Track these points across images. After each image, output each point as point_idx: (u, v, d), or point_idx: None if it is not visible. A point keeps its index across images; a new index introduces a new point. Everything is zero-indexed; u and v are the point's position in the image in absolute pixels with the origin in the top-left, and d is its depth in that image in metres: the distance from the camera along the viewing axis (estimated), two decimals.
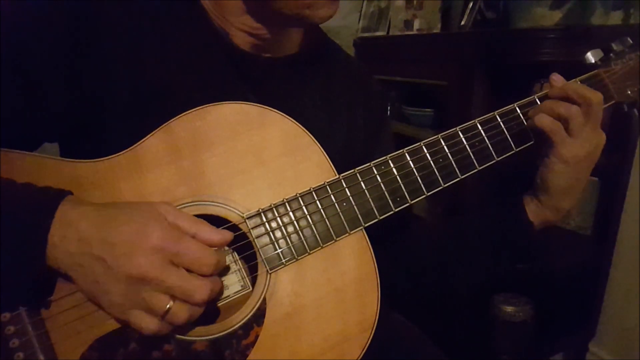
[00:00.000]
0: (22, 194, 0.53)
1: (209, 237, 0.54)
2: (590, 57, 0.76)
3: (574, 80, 0.72)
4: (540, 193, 0.72)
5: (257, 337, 0.59)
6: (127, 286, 0.50)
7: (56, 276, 0.53)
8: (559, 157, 0.67)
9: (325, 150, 0.64)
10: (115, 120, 0.62)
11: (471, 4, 1.58)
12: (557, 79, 0.70)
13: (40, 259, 0.50)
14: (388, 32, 1.98)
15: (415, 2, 1.85)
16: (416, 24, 1.84)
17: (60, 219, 0.50)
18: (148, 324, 0.51)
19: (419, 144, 0.67)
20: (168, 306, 0.50)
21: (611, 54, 0.75)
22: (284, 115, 0.63)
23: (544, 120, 0.67)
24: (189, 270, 0.52)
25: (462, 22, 1.60)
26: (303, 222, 0.61)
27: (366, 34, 2.10)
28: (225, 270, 0.61)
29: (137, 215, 0.52)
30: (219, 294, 0.57)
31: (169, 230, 0.52)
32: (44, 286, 0.54)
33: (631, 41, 0.75)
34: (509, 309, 1.53)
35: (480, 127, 0.69)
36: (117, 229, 0.50)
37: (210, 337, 0.58)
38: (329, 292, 0.62)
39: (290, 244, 0.61)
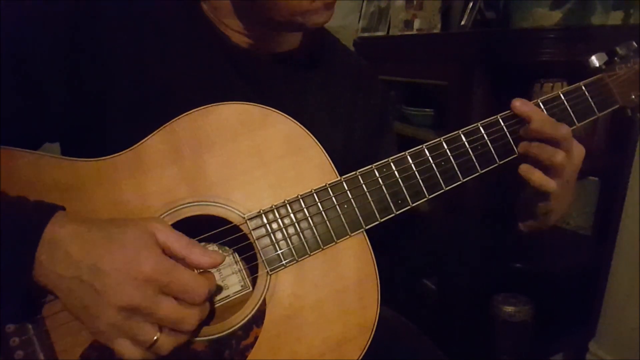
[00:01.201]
0: (12, 209, 0.51)
1: (198, 260, 0.53)
2: (595, 60, 0.75)
3: (576, 85, 0.72)
4: (526, 215, 0.74)
5: (256, 338, 0.59)
6: (115, 315, 0.49)
7: (46, 293, 0.53)
8: (547, 200, 0.68)
9: (325, 149, 0.63)
10: (116, 120, 0.62)
11: (471, 4, 1.58)
12: (519, 104, 0.68)
13: (27, 277, 0.49)
14: (388, 32, 1.98)
15: (415, 2, 1.84)
16: (416, 24, 1.84)
17: (48, 238, 0.49)
18: (132, 354, 0.50)
19: (421, 146, 0.66)
20: (155, 338, 0.50)
21: (615, 58, 0.75)
22: (286, 116, 0.63)
23: (536, 177, 0.66)
24: (178, 298, 0.51)
25: (462, 22, 1.60)
26: (304, 224, 0.61)
27: (366, 34, 2.10)
28: (225, 270, 0.61)
29: (129, 241, 0.50)
30: (207, 317, 0.56)
31: (162, 259, 0.51)
32: (34, 302, 0.53)
33: (636, 45, 0.75)
34: (509, 309, 1.53)
35: (482, 131, 0.68)
36: (109, 256, 0.49)
37: (210, 337, 0.58)
38: (329, 293, 0.62)
39: (291, 245, 0.61)
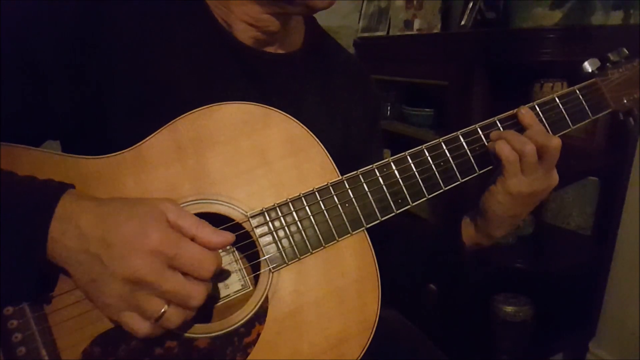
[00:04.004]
0: (23, 187, 0.52)
1: (209, 238, 0.53)
2: (588, 66, 0.78)
3: (570, 89, 0.74)
4: (478, 216, 0.74)
5: (258, 335, 0.59)
6: (122, 287, 0.49)
7: (57, 271, 0.53)
8: (506, 187, 0.68)
9: (325, 148, 0.64)
10: (119, 118, 0.62)
11: (471, 4, 1.58)
12: (525, 112, 0.70)
13: (41, 253, 0.50)
14: (388, 32, 1.98)
15: (415, 2, 1.85)
16: (416, 24, 1.84)
17: (60, 213, 0.50)
18: (140, 327, 0.50)
19: (420, 147, 0.67)
20: (162, 310, 0.50)
21: (608, 64, 0.77)
22: (288, 116, 0.63)
23: (503, 148, 0.66)
24: (186, 274, 0.51)
25: (462, 22, 1.60)
26: (306, 222, 0.62)
27: (366, 34, 2.10)
28: (226, 269, 0.62)
29: (138, 215, 0.51)
30: (212, 296, 0.56)
31: (169, 232, 0.51)
32: (46, 281, 0.53)
33: (627, 52, 0.78)
34: (509, 309, 1.53)
35: (480, 132, 0.69)
36: (117, 228, 0.49)
37: (213, 334, 0.58)
38: (330, 291, 0.62)
39: (293, 244, 0.61)
